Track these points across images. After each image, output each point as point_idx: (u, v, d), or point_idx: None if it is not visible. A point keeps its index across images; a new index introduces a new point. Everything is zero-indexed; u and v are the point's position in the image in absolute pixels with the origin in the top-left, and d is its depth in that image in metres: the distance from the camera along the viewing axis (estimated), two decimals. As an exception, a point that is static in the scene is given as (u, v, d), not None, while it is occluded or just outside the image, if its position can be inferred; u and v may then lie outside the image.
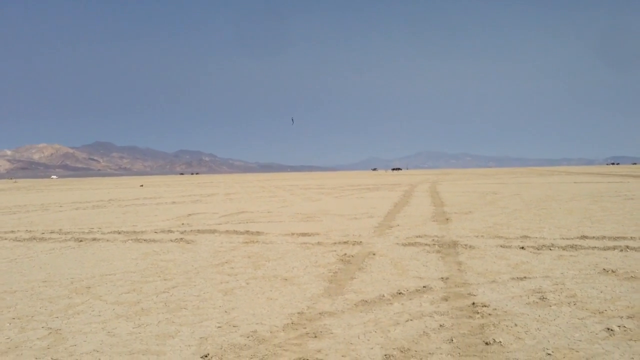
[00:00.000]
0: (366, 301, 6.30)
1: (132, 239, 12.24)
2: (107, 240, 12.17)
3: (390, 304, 6.17)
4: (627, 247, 9.47)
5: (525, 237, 10.90)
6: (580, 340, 4.79)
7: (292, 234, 12.49)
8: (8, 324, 5.82)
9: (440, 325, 5.30)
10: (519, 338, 4.89)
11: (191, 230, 13.55)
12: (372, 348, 4.76)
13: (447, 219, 14.56)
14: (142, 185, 42.45)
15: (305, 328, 5.37)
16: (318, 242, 10.98)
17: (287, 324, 5.53)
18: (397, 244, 10.48)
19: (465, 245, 10.04)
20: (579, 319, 5.42)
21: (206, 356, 4.68)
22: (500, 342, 4.79)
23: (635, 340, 4.76)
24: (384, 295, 6.51)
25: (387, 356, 4.57)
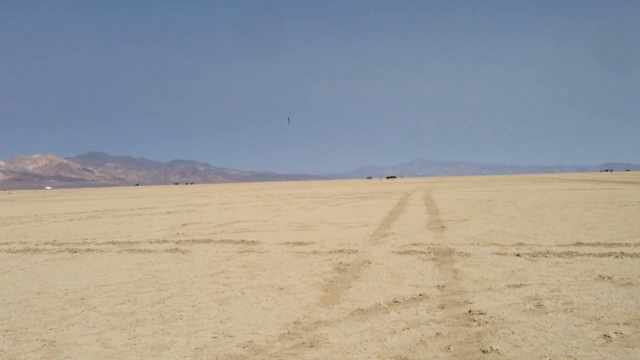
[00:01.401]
0: (362, 310, 6.27)
1: (126, 250, 12.18)
2: (102, 251, 12.11)
3: (387, 312, 6.15)
4: (623, 253, 9.49)
5: (521, 244, 10.91)
6: (577, 348, 4.79)
7: (288, 243, 12.46)
8: (2, 337, 5.76)
9: (437, 334, 5.28)
10: (516, 346, 4.88)
11: (186, 240, 13.49)
12: (368, 357, 4.74)
13: (443, 227, 14.56)
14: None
15: (301, 337, 5.34)
16: (313, 251, 10.95)
17: (283, 333, 5.50)
18: (393, 252, 10.46)
19: (461, 252, 10.04)
20: (575, 326, 5.41)
21: (202, 367, 4.64)
22: (497, 350, 4.78)
23: (632, 347, 4.76)
24: (380, 304, 6.49)
25: (384, 365, 4.55)
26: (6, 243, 14.48)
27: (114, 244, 13.40)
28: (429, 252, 10.19)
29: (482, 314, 5.91)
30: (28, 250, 12.81)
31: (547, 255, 9.54)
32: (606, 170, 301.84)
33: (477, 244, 11.13)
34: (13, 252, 12.62)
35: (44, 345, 5.43)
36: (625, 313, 5.80)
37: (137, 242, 13.48)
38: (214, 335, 5.54)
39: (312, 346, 5.07)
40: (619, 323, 5.45)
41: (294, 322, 5.88)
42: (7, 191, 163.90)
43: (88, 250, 12.38)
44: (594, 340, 4.96)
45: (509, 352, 4.74)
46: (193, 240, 13.53)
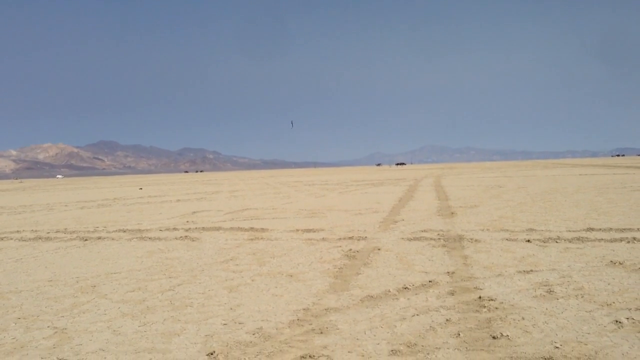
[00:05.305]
0: (372, 296, 6.27)
1: (137, 237, 12.25)
2: (112, 239, 12.19)
3: (396, 299, 6.14)
4: (634, 238, 9.40)
5: (531, 230, 10.84)
6: (588, 333, 4.75)
7: (297, 230, 12.47)
8: (14, 324, 5.83)
9: (447, 320, 5.26)
10: (527, 332, 4.86)
11: (196, 228, 13.55)
12: (378, 343, 4.74)
13: (452, 213, 14.50)
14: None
15: (311, 324, 5.35)
16: (323, 238, 10.95)
17: (293, 320, 5.51)
18: (402, 238, 10.44)
19: (471, 239, 9.99)
20: (586, 311, 5.38)
21: (212, 353, 4.66)
22: (508, 336, 4.75)
23: (644, 333, 4.72)
24: (389, 290, 6.48)
25: (394, 351, 4.54)
26: (18, 231, 14.62)
27: (124, 231, 13.48)
28: (439, 239, 10.16)
29: (492, 300, 5.89)
30: (40, 238, 12.92)
31: (558, 240, 9.47)
32: (618, 156, 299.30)
33: (487, 230, 11.08)
34: (25, 240, 12.74)
35: (56, 332, 5.48)
36: (636, 298, 5.75)
37: (147, 230, 13.56)
38: (223, 322, 5.56)
39: (321, 333, 5.08)
40: (630, 309, 5.41)
41: (304, 309, 5.88)
42: (19, 180, 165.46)
43: (99, 238, 12.47)
44: (605, 326, 4.92)
45: (519, 338, 4.71)
46: (203, 227, 13.58)
